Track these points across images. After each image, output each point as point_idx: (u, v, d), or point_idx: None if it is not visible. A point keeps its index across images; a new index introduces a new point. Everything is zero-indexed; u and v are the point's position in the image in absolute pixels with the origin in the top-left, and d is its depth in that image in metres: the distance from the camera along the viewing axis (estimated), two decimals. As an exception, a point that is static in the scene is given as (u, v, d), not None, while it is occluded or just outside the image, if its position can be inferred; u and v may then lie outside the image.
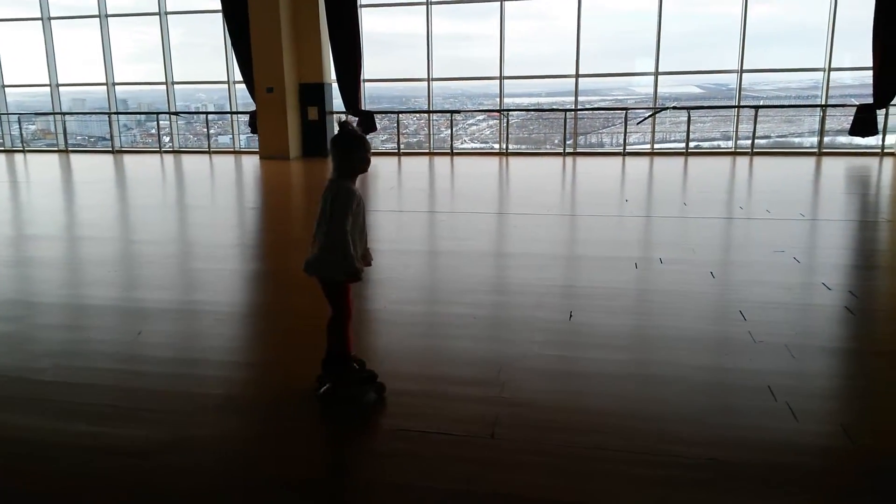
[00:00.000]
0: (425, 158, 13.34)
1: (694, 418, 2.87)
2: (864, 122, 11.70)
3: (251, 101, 13.69)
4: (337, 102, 13.85)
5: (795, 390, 3.12)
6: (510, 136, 13.50)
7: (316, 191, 10.01)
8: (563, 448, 2.65)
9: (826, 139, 12.45)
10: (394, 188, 10.05)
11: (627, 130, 12.80)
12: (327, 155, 13.69)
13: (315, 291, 3.09)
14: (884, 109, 11.60)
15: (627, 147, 12.86)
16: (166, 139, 15.66)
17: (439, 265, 5.73)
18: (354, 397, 3.04)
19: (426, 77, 13.92)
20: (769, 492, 2.36)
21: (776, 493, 2.35)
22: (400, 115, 13.98)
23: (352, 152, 2.96)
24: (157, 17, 14.84)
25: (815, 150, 12.39)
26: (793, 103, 13.67)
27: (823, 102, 12.29)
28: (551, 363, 3.49)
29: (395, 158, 13.26)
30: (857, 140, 12.23)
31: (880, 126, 11.70)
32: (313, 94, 13.58)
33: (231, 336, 4.11)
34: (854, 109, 11.79)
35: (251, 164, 13.00)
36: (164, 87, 15.26)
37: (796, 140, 14.23)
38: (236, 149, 15.17)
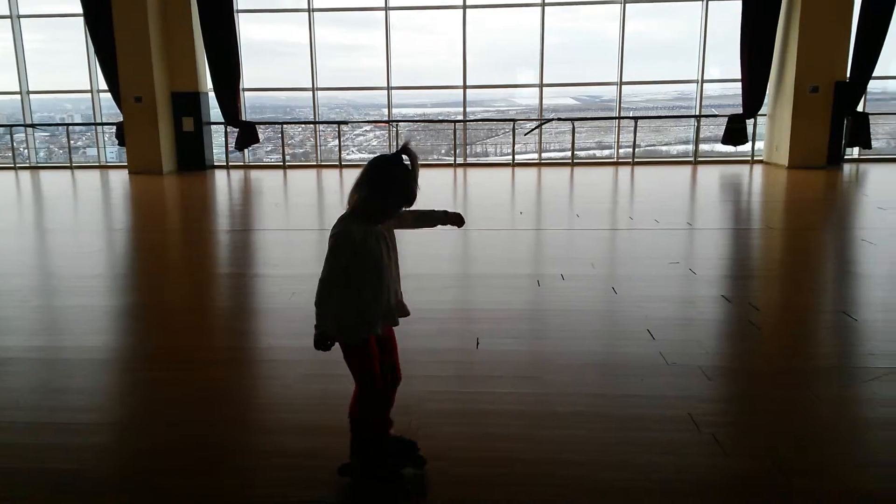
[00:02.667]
0: (312, 171, 12.78)
1: (620, 460, 2.65)
2: (735, 132, 12.34)
3: (119, 111, 12.61)
4: (215, 112, 13.03)
5: (718, 418, 2.98)
6: (398, 146, 13.19)
7: (192, 209, 9.26)
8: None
9: (686, 147, 13.04)
10: (279, 204, 9.48)
11: (515, 141, 12.86)
12: (206, 168, 12.84)
13: (199, 328, 2.62)
14: (752, 119, 12.29)
15: (515, 157, 12.92)
16: (26, 153, 14.16)
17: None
18: (386, 473, 2.50)
19: (311, 87, 13.38)
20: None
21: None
22: (284, 126, 13.34)
23: (386, 184, 2.30)
24: (9, 20, 13.42)
25: (691, 159, 12.95)
26: (661, 114, 14.26)
27: (698, 113, 12.87)
28: (463, 402, 3.18)
29: (281, 172, 12.62)
30: (725, 149, 12.89)
31: (749, 135, 12.38)
32: (188, 103, 12.68)
33: (92, 390, 3.50)
34: (725, 119, 12.41)
35: (119, 179, 11.94)
36: (18, 96, 13.81)
37: (664, 149, 14.95)
38: (102, 163, 13.95)
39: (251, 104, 13.59)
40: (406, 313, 2.51)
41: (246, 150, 13.31)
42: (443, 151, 13.95)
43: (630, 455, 2.69)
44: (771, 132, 12.29)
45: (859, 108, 11.80)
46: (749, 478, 2.53)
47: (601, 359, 3.74)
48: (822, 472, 2.58)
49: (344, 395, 3.27)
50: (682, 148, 14.00)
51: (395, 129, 13.08)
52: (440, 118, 13.97)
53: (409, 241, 6.83)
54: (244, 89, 13.13)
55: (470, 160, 13.50)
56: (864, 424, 3.02)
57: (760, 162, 12.53)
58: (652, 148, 15.09)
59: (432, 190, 10.04)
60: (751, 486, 2.48)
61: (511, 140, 12.86)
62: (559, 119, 13.28)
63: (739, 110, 12.22)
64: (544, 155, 13.27)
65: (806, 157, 11.39)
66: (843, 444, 2.83)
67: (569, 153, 12.84)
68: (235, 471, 2.64)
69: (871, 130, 11.89)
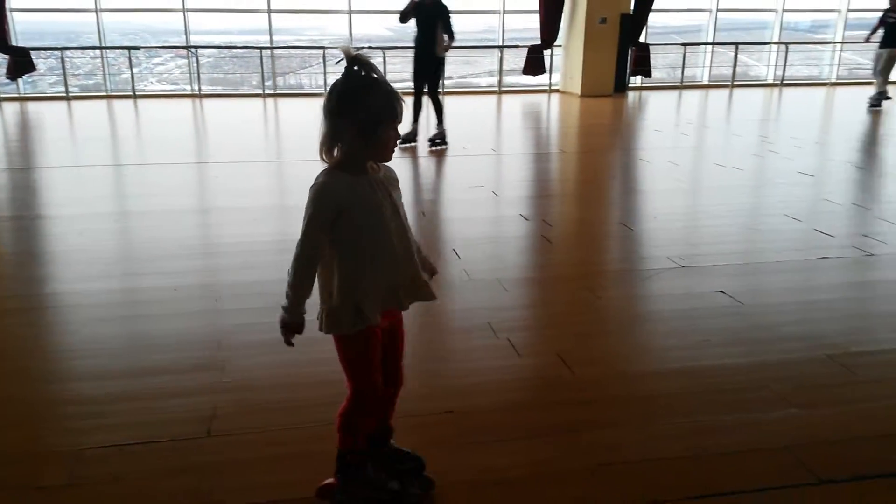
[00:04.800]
0: (102, 102, 11.56)
1: (427, 368, 2.82)
2: (534, 63, 12.94)
3: None
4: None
5: (513, 324, 3.25)
6: (203, 76, 12.30)
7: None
8: (287, 432, 2.37)
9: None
10: (63, 139, 8.53)
11: (327, 71, 12.52)
12: (-33, 102, 11.14)
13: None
14: (549, 50, 12.94)
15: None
16: None
17: (127, 228, 4.93)
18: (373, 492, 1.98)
19: (94, 7, 11.93)
20: (508, 434, 2.38)
21: (515, 436, 2.38)
22: (65, 53, 11.83)
23: (354, 111, 1.69)
24: None
25: (496, 89, 13.43)
26: (473, 45, 14.59)
27: (500, 44, 13.30)
28: (274, 331, 3.16)
29: (65, 103, 11.27)
30: (527, 79, 13.50)
31: (547, 66, 13.06)
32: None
33: None
34: (525, 50, 12.96)
35: None
36: None
37: (474, 80, 15.45)
38: None
39: (29, 29, 11.86)
40: (427, 296, 1.92)
41: (21, 81, 11.69)
42: (254, 83, 13.22)
43: (441, 366, 2.87)
44: (566, 63, 13.05)
45: (641, 40, 12.85)
46: (538, 372, 2.82)
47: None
48: (600, 360, 2.94)
49: (139, 337, 3.16)
50: (492, 79, 14.43)
51: (194, 56, 12.11)
52: (246, 45, 13.17)
53: (212, 176, 6.49)
54: (11, 10, 11.40)
55: (284, 91, 12.95)
56: (637, 318, 3.46)
57: (557, 91, 13.31)
58: (463, 80, 15.52)
59: (239, 123, 9.54)
60: (540, 380, 2.77)
61: (323, 70, 12.50)
62: (370, 48, 13.08)
63: (538, 42, 12.80)
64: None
65: (596, 86, 12.26)
66: (618, 335, 3.23)
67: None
68: (25, 422, 2.46)
69: (651, 61, 13.04)
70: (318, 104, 1.74)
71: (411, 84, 7.72)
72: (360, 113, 1.69)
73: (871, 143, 8.41)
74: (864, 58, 16.09)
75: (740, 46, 13.74)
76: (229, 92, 13.24)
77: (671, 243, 4.45)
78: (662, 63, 14.59)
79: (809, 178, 6.23)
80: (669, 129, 9.29)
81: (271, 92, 12.58)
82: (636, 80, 13.39)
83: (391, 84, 1.72)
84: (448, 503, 2.05)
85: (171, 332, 3.17)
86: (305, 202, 1.73)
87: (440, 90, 8.17)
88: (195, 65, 12.05)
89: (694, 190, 6.11)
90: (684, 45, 13.77)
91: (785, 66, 13.73)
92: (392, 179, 1.85)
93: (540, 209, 5.41)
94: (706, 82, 14.12)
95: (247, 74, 13.67)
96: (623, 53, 12.42)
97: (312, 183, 1.73)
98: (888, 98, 10.41)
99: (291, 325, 1.81)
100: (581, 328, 3.26)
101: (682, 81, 13.71)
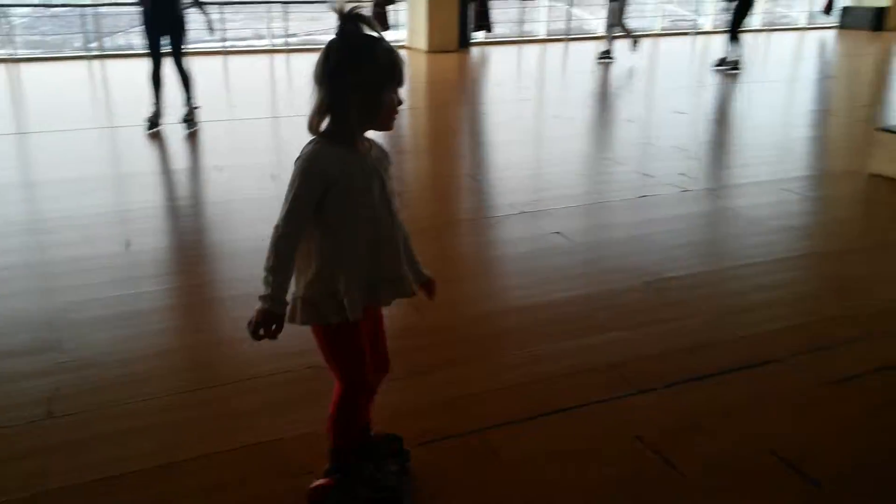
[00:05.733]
0: None
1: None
2: (380, 17, 12.81)
3: None
4: None
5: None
6: (18, 38, 11.08)
7: None
8: (135, 405, 2.31)
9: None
10: None
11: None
12: None
13: None
14: (393, 4, 12.87)
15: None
16: None
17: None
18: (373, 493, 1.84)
19: None
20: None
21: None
22: None
23: (356, 74, 1.52)
24: None
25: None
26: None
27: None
28: (113, 306, 3.05)
29: None
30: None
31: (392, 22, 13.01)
32: None
33: None
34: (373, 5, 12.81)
35: None
36: None
37: (321, 38, 15.04)
38: None
39: None
40: (407, 292, 1.75)
41: None
42: (76, 45, 12.08)
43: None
44: (411, 18, 13.06)
45: (481, -6, 13.09)
46: (391, 322, 2.93)
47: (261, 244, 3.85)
48: (449, 305, 3.09)
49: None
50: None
51: (5, 17, 10.85)
52: (65, 3, 11.99)
53: (35, 146, 5.97)
54: None
55: (112, 52, 11.94)
56: (482, 263, 3.68)
57: (404, 48, 13.33)
58: (310, 37, 15.06)
59: (62, 88, 8.75)
60: (393, 328, 2.88)
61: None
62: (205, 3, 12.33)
63: (383, -5, 12.69)
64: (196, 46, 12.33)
65: (441, 42, 12.39)
66: (466, 280, 3.41)
67: (223, 44, 12.11)
68: None
69: (491, 16, 13.34)
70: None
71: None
72: (363, 75, 1.51)
73: (696, 89, 9.22)
74: (686, 9, 17.46)
75: (574, 1, 14.40)
76: (50, 55, 12.03)
77: (513, 191, 4.72)
78: (504, 18, 14.97)
79: (632, 123, 6.77)
80: (511, 83, 9.65)
81: (97, 53, 11.59)
82: (479, 36, 13.68)
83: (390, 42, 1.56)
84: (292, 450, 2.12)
85: (2, 315, 2.97)
86: (291, 175, 1.55)
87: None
88: (7, 27, 10.84)
89: (533, 140, 6.45)
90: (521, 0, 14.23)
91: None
92: (385, 160, 1.68)
93: (396, 166, 5.49)
94: (544, 36, 14.71)
95: (69, 36, 12.48)
96: (464, 8, 12.61)
97: (298, 154, 1.56)
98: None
99: (273, 315, 1.56)
100: (437, 277, 3.40)
101: (521, 36, 14.19)
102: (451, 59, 11.54)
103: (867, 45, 13.33)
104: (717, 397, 2.38)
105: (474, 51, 12.79)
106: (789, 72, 10.93)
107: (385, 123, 1.61)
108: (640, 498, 1.93)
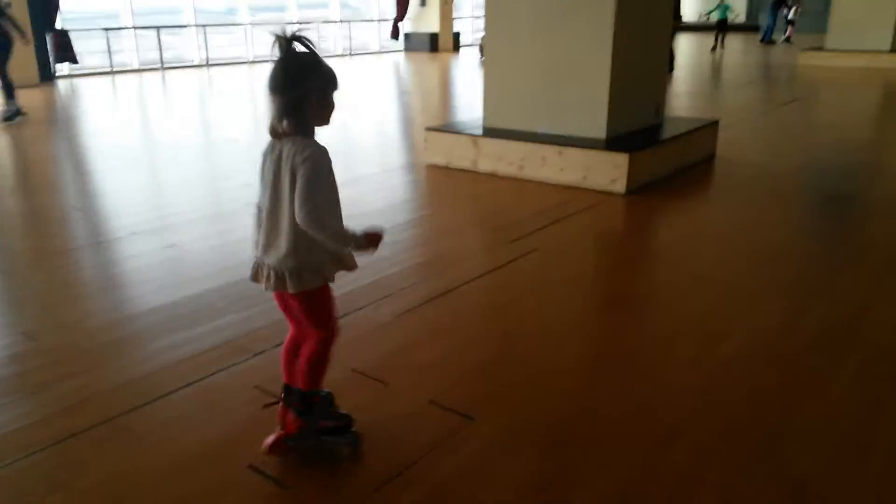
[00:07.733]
0: None
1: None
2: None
3: None
4: None
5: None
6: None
7: None
8: None
9: None
10: None
11: None
12: None
13: None
14: None
15: None
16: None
17: None
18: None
19: None
20: None
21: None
22: None
23: (315, 81, 1.87)
24: None
25: None
26: None
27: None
28: None
29: None
30: None
31: None
32: None
33: None
34: None
35: None
36: None
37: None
38: None
39: None
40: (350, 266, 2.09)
41: None
42: None
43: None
44: None
45: (58, 25, 12.16)
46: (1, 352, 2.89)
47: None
48: (64, 325, 3.14)
49: None
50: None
51: None
52: None
53: None
54: None
55: None
56: (103, 279, 3.72)
57: None
58: None
59: None
60: (7, 359, 2.86)
61: None
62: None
63: None
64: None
65: (19, 77, 11.19)
66: (86, 299, 3.46)
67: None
68: None
69: (73, 46, 12.47)
70: None
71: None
72: (317, 82, 1.85)
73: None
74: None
75: (162, 29, 14.28)
76: None
77: (124, 215, 4.80)
78: (92, 49, 14.09)
79: (234, 143, 7.24)
80: (108, 113, 9.29)
81: None
82: (64, 68, 12.73)
83: None
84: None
85: None
86: (303, 173, 1.81)
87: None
88: None
89: (136, 166, 6.44)
90: (106, 29, 13.61)
91: (207, 47, 14.87)
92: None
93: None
94: (138, 66, 14.30)
95: None
96: (41, 40, 11.62)
97: (304, 155, 1.82)
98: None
99: (365, 240, 1.93)
100: (52, 301, 3.40)
101: (111, 67, 13.58)
102: (34, 94, 10.54)
103: (430, 63, 15.97)
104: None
105: (62, 84, 11.88)
106: (371, 91, 12.49)
107: (328, 120, 1.94)
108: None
